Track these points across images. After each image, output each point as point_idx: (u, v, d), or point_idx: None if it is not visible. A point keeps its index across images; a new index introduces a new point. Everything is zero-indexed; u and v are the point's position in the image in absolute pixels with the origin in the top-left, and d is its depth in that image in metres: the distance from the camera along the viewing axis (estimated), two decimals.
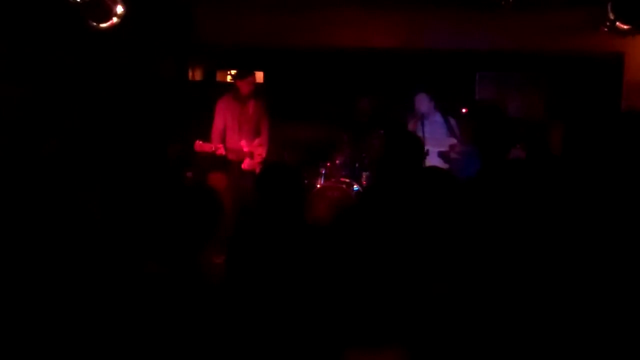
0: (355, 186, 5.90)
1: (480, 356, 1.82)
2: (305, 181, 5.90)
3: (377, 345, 1.51)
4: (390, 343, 1.52)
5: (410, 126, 5.83)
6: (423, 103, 5.87)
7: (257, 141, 5.86)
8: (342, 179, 6.00)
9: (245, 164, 5.78)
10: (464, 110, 6.73)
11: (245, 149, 5.78)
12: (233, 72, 6.95)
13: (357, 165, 6.10)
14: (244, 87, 5.77)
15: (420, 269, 1.88)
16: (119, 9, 5.25)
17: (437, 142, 5.59)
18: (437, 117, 5.94)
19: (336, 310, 1.58)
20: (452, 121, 5.97)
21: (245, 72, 5.85)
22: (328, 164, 6.13)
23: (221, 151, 5.69)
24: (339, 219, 1.82)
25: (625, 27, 5.35)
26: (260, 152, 5.84)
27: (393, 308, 1.55)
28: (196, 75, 7.49)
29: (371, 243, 1.67)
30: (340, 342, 1.53)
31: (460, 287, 1.97)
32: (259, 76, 7.33)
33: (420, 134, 5.27)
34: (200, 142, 5.65)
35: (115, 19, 5.25)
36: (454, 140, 5.75)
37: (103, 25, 5.24)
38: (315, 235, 2.63)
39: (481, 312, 1.91)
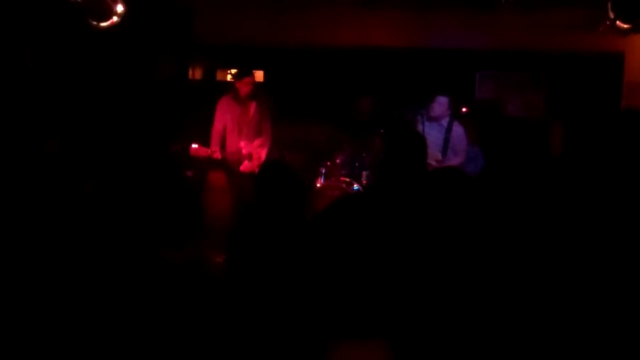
0: (355, 185, 5.90)
1: (463, 350, 1.83)
2: (306, 181, 5.89)
3: (360, 338, 1.52)
4: (373, 336, 1.53)
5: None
6: (440, 106, 5.53)
7: (257, 142, 5.82)
8: (342, 178, 6.00)
9: (244, 166, 5.74)
10: (464, 110, 6.72)
11: (245, 151, 5.74)
12: (233, 71, 6.95)
13: (357, 164, 6.09)
14: (243, 88, 5.72)
15: (406, 265, 1.89)
16: (119, 8, 5.25)
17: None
18: (443, 123, 5.55)
19: (321, 304, 1.58)
20: (458, 131, 5.56)
21: (242, 73, 5.77)
22: (328, 163, 6.12)
23: (217, 155, 5.64)
24: (326, 213, 1.83)
25: (625, 26, 5.35)
26: (260, 153, 5.80)
27: (377, 302, 1.56)
28: (196, 75, 7.49)
29: (359, 238, 1.68)
30: (324, 335, 1.54)
31: (448, 283, 1.98)
32: (259, 75, 7.32)
33: None
34: (196, 146, 5.57)
35: (115, 18, 5.25)
36: (438, 155, 5.44)
37: (103, 24, 5.25)
38: (311, 231, 2.64)
39: (468, 308, 1.92)
